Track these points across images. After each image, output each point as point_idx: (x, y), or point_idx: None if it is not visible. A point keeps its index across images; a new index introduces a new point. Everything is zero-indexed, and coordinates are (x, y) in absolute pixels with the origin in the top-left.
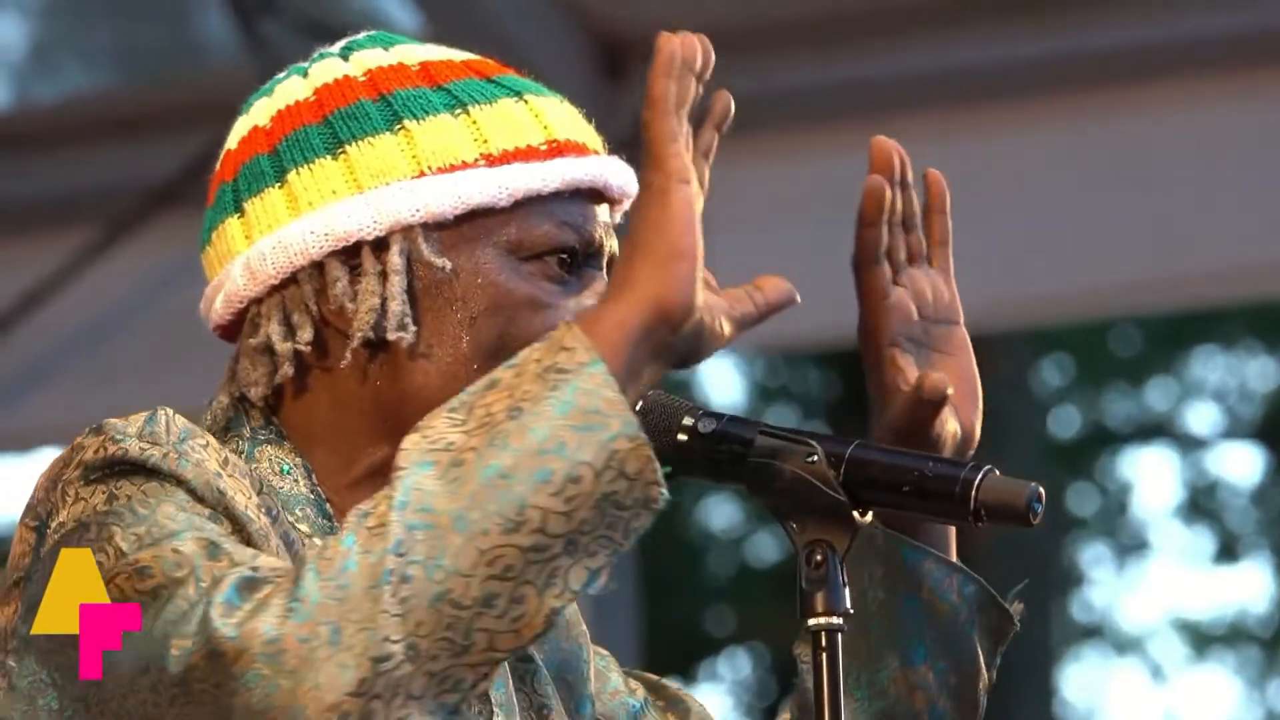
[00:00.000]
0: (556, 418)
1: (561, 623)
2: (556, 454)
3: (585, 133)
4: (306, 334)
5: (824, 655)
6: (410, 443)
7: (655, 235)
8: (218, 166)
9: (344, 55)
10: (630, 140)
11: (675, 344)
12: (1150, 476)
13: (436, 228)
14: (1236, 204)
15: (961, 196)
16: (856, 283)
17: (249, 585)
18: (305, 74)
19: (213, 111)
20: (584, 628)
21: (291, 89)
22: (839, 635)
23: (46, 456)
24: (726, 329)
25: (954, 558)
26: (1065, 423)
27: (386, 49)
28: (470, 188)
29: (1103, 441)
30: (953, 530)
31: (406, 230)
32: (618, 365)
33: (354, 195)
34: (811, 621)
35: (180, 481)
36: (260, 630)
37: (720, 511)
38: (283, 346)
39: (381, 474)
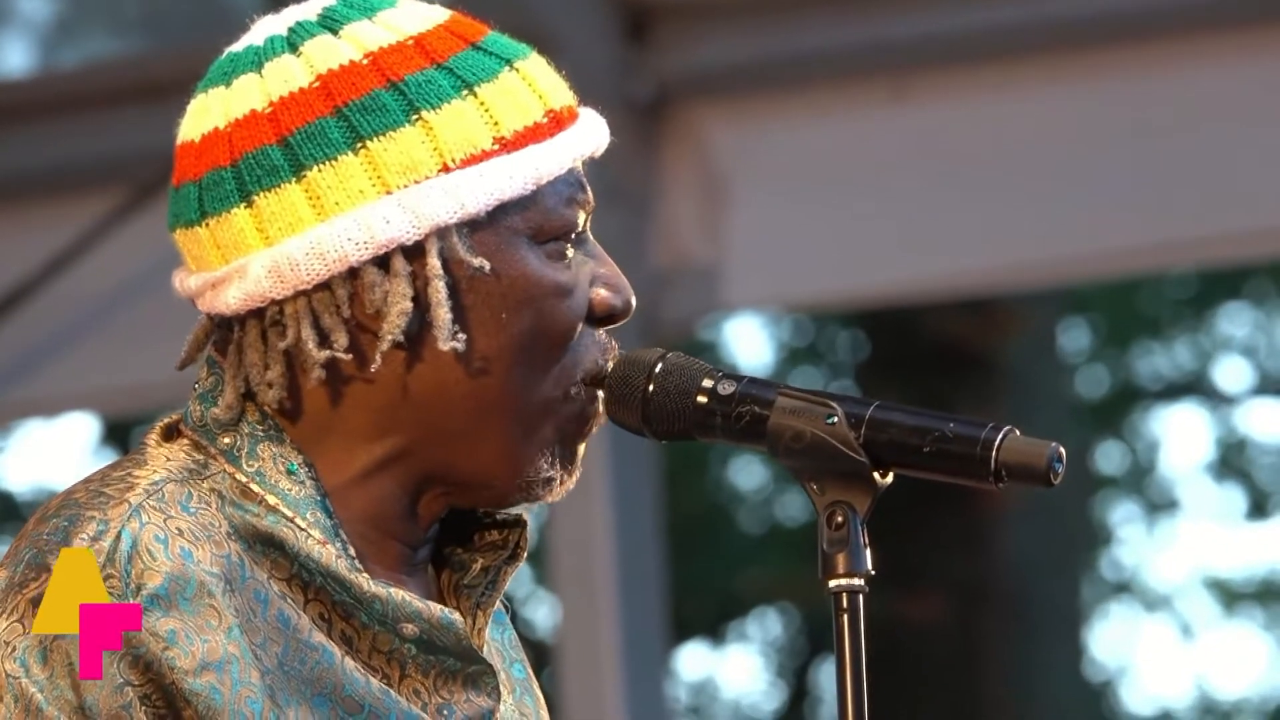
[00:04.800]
0: None
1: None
2: None
3: (563, 89)
4: (342, 340)
5: (845, 617)
6: None
7: None
8: (195, 140)
9: (331, 29)
10: (652, 103)
11: None
12: (1179, 434)
13: (468, 225)
14: (1264, 161)
15: (989, 157)
16: None
17: None
18: (296, 51)
19: None
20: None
21: (286, 71)
22: (860, 597)
23: (72, 422)
24: None
25: None
26: (1093, 382)
27: (371, 18)
28: (499, 181)
29: (1131, 400)
30: None
31: (441, 231)
32: None
33: (383, 196)
34: (832, 583)
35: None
36: None
37: (749, 471)
38: (319, 354)
39: (380, 469)
